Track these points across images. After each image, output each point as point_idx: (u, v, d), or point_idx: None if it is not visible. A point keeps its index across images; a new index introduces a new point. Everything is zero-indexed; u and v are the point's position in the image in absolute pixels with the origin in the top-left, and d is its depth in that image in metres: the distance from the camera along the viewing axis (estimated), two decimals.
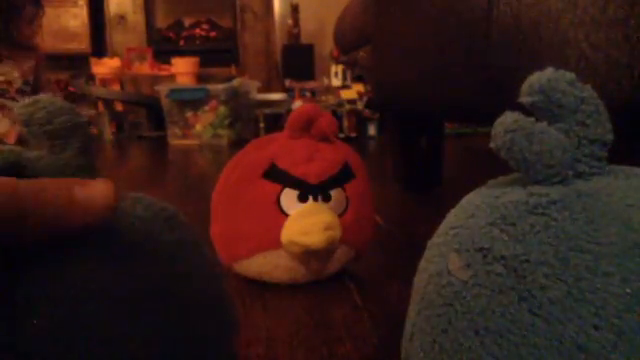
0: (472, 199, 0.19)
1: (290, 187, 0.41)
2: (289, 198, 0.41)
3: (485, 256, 0.17)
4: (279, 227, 0.40)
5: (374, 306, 0.39)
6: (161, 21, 3.16)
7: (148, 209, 0.19)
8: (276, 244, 0.40)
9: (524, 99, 0.18)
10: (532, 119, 0.17)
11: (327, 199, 0.42)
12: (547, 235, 0.16)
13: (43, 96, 0.18)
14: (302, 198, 0.41)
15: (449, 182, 0.87)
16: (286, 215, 0.40)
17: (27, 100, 0.18)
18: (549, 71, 0.18)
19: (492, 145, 0.17)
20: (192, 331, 0.18)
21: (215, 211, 0.44)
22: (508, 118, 0.17)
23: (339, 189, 0.42)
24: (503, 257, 0.16)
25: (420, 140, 0.83)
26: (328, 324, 0.36)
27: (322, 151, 0.42)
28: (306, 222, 0.39)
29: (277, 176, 0.41)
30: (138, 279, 0.17)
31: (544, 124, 0.17)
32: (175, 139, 1.77)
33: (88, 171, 0.19)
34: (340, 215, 0.42)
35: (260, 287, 0.43)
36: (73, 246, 0.15)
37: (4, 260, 0.14)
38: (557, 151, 0.17)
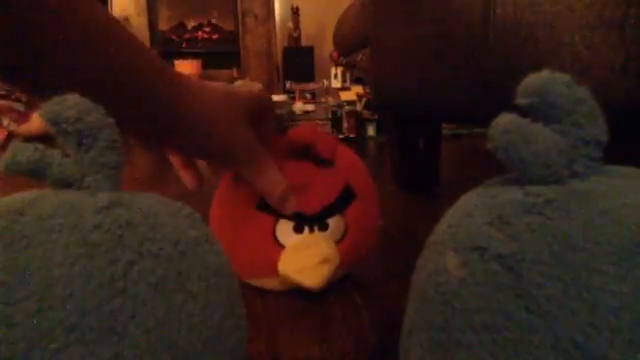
0: (469, 199, 0.20)
1: (285, 218, 0.39)
2: (284, 230, 0.39)
3: (482, 255, 0.17)
4: (276, 258, 0.39)
5: (373, 305, 0.39)
6: (164, 23, 3.16)
7: (170, 206, 0.20)
8: (273, 273, 0.39)
9: (520, 100, 0.18)
10: (528, 120, 0.18)
11: (324, 228, 0.40)
12: (543, 234, 0.16)
13: (70, 95, 0.19)
14: (298, 229, 0.40)
15: (447, 182, 0.87)
16: (282, 246, 0.39)
17: (54, 99, 0.18)
18: (545, 73, 0.18)
19: (489, 145, 0.18)
20: (217, 326, 0.19)
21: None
22: (504, 119, 0.17)
23: (337, 216, 0.40)
24: (500, 256, 0.16)
25: (418, 141, 0.84)
26: (328, 322, 0.36)
27: (320, 177, 0.40)
28: (301, 256, 0.38)
29: (271, 208, 0.39)
30: (172, 271, 0.18)
31: (540, 125, 0.18)
32: None
33: (114, 169, 0.19)
34: (338, 242, 0.40)
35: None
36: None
37: None
38: (553, 151, 0.17)
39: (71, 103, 0.18)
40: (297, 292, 0.42)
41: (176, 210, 0.20)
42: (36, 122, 1.66)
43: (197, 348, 0.18)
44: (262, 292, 0.42)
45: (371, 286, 0.43)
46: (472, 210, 0.19)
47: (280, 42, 2.90)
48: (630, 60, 0.35)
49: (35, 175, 0.19)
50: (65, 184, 0.19)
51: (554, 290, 0.15)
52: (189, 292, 0.18)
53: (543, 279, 0.15)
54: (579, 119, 0.18)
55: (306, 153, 0.40)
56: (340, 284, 0.43)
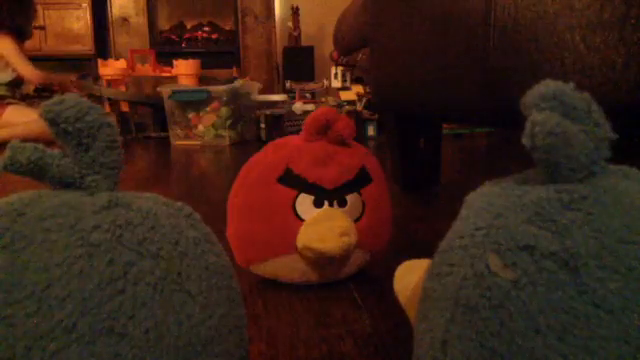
0: (489, 199, 0.19)
1: (305, 192, 0.40)
2: (304, 203, 0.40)
3: (532, 254, 0.16)
4: (294, 232, 0.40)
5: (373, 304, 0.39)
6: (163, 23, 3.17)
7: (169, 207, 0.20)
8: (291, 249, 0.40)
9: (540, 104, 0.18)
10: (569, 122, 0.17)
11: (343, 204, 0.41)
12: (590, 229, 0.16)
13: (69, 95, 0.19)
14: (318, 203, 0.40)
15: (447, 182, 0.87)
16: (301, 220, 0.40)
17: (54, 99, 0.18)
18: (549, 82, 0.18)
19: (527, 143, 0.17)
20: (217, 327, 0.19)
21: (231, 213, 0.43)
22: (549, 120, 0.17)
23: (355, 194, 0.42)
24: (552, 253, 0.16)
25: (418, 141, 0.84)
26: (328, 322, 0.36)
27: (338, 155, 0.42)
28: (321, 228, 0.39)
29: (292, 181, 0.40)
30: (172, 271, 0.18)
31: (576, 127, 0.17)
32: (178, 139, 1.78)
33: (113, 169, 0.19)
34: (356, 220, 0.41)
35: (261, 285, 0.43)
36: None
37: None
38: (587, 152, 0.17)
39: (71, 103, 0.18)
40: (297, 292, 0.42)
41: (176, 210, 0.20)
42: (35, 125, 1.67)
43: (197, 348, 0.18)
44: (262, 292, 0.42)
45: (371, 285, 0.43)
46: (501, 210, 0.18)
47: (280, 42, 2.90)
48: (631, 59, 0.34)
49: (34, 175, 0.18)
50: (64, 184, 0.19)
51: (615, 283, 0.15)
52: (189, 292, 0.18)
53: (602, 272, 0.15)
54: (597, 118, 0.18)
55: (326, 131, 0.42)
56: (340, 284, 0.43)
